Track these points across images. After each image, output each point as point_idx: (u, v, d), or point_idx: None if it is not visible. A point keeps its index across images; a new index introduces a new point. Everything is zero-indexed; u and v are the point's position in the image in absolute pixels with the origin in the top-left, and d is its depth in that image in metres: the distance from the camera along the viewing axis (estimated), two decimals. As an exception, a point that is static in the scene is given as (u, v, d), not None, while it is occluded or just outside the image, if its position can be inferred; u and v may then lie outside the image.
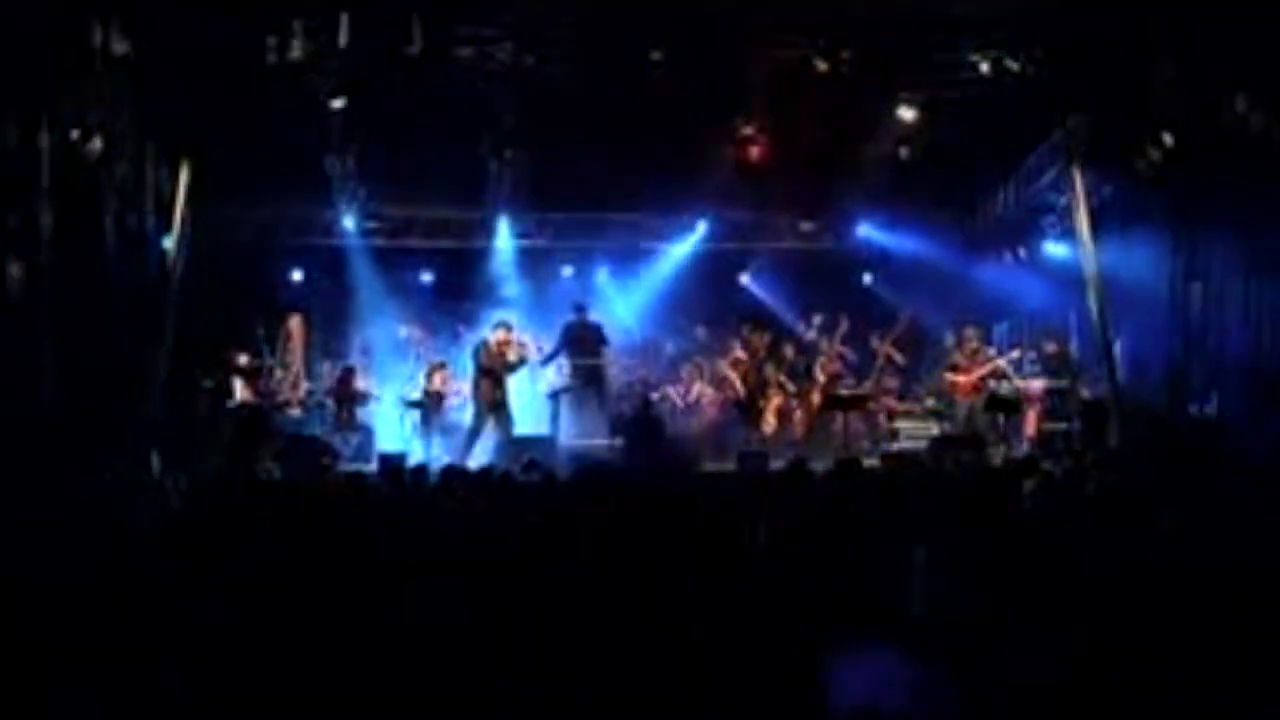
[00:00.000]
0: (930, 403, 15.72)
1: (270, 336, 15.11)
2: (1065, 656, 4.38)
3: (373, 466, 12.96)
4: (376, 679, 4.26)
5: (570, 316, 15.61)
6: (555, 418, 15.04)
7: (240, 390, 14.66)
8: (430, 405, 14.90)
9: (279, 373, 15.00)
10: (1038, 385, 14.81)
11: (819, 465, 11.25)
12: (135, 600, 4.89)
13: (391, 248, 16.08)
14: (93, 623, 4.59)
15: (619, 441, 13.84)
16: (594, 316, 15.73)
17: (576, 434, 14.78)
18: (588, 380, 15.61)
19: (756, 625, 4.60)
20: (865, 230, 16.36)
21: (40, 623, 4.57)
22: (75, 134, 12.43)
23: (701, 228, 16.36)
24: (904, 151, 14.51)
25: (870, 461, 12.66)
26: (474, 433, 14.41)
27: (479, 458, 13.49)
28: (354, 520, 7.11)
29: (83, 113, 12.27)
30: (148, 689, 4.13)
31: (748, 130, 14.19)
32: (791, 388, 15.67)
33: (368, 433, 14.98)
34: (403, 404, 15.15)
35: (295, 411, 14.87)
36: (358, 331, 15.86)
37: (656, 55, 12.79)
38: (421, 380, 15.15)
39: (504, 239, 16.25)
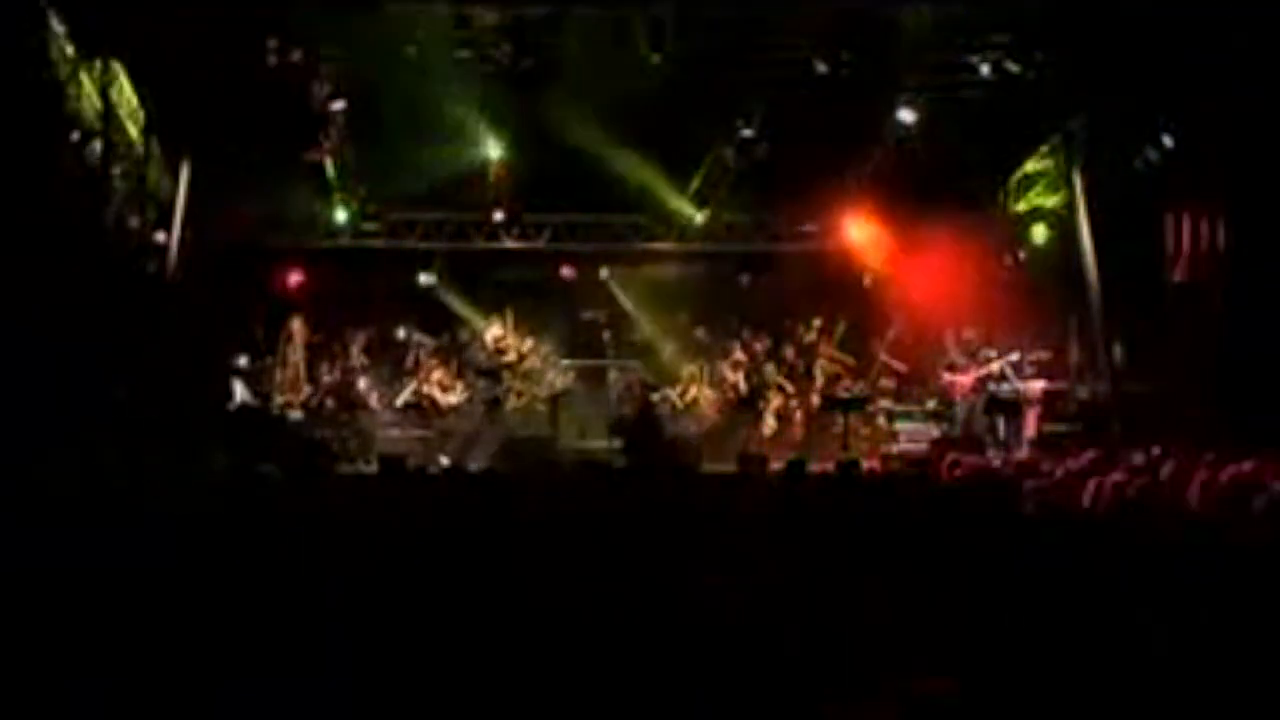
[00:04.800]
0: (930, 404, 15.69)
1: (270, 337, 15.16)
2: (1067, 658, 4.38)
3: (373, 468, 12.97)
4: (378, 677, 4.25)
5: (571, 317, 15.55)
6: (555, 419, 15.02)
7: (240, 391, 14.70)
8: (429, 406, 14.92)
9: (279, 374, 15.02)
10: (1037, 386, 14.76)
11: (818, 467, 11.32)
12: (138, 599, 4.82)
13: (391, 248, 16.06)
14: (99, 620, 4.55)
15: (619, 443, 13.78)
16: (594, 317, 15.72)
17: (576, 435, 14.81)
18: (588, 381, 15.64)
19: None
20: (864, 231, 16.29)
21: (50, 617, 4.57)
22: (76, 135, 12.50)
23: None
24: (904, 153, 14.51)
25: (869, 463, 12.71)
26: (473, 434, 14.44)
27: (479, 459, 13.53)
28: (353, 521, 7.08)
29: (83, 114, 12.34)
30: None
31: (748, 132, 14.23)
32: (791, 389, 15.64)
33: (367, 434, 14.95)
34: (402, 405, 15.17)
35: (295, 413, 14.85)
36: (357, 332, 15.79)
37: (657, 58, 12.79)
38: (421, 381, 15.19)
39: (504, 239, 16.20)
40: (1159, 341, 13.43)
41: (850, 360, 15.80)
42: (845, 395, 15.29)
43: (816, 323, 16.07)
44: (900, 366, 15.88)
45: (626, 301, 16.71)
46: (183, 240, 13.80)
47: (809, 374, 15.73)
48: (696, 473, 11.70)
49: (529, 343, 15.55)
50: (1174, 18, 11.82)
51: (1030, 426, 14.60)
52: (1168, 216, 13.18)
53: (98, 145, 12.77)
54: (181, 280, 13.81)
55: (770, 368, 15.78)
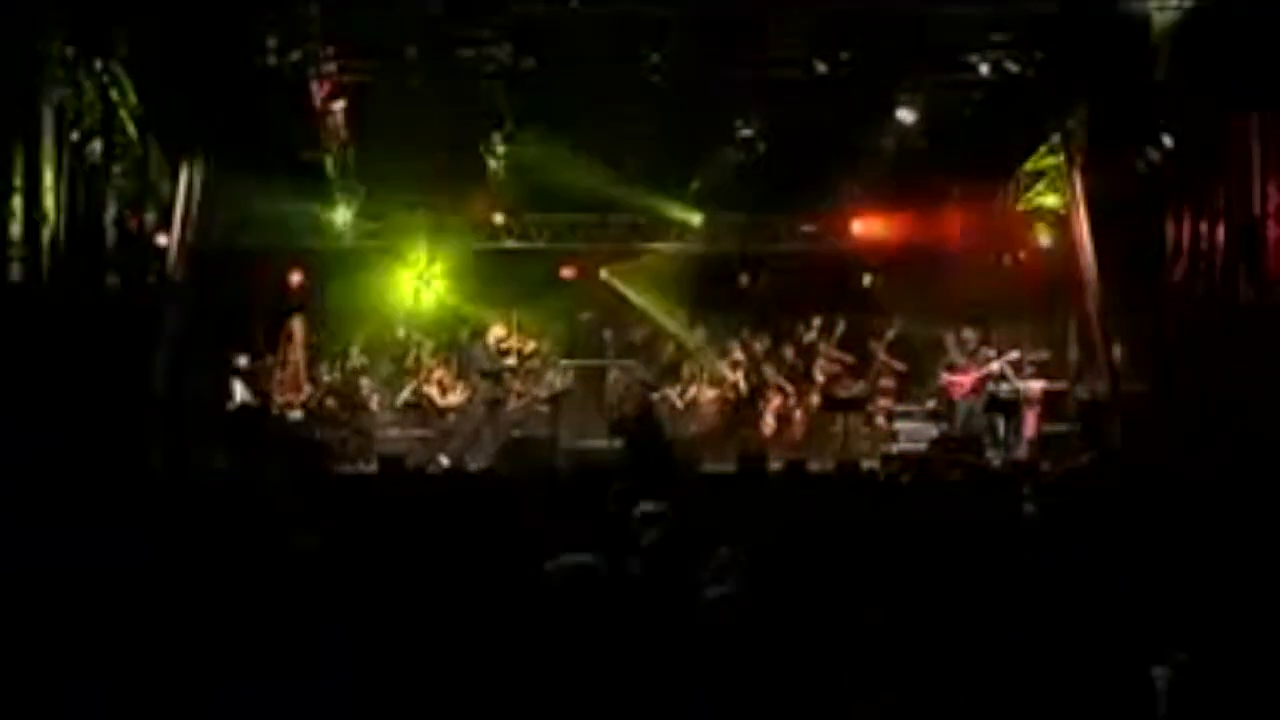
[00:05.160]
0: (930, 404, 15.67)
1: (270, 337, 15.10)
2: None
3: (372, 468, 12.96)
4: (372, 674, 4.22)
5: (570, 317, 15.63)
6: (555, 419, 15.00)
7: (240, 391, 14.65)
8: (429, 407, 14.94)
9: (279, 374, 14.96)
10: (1037, 386, 14.74)
11: (817, 466, 11.34)
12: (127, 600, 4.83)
13: (392, 248, 15.98)
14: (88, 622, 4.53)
15: (618, 443, 13.74)
16: (594, 316, 15.66)
17: (576, 435, 14.79)
18: (587, 381, 15.68)
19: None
20: (864, 231, 16.28)
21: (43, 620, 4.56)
22: (75, 135, 12.44)
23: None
24: (903, 153, 14.50)
25: (869, 463, 12.70)
26: (473, 434, 14.45)
27: (478, 459, 13.49)
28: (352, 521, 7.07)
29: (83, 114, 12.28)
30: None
31: (747, 132, 14.21)
32: (790, 389, 15.61)
33: (367, 434, 14.93)
34: (402, 405, 15.19)
35: (295, 413, 14.79)
36: (357, 333, 15.74)
37: (655, 57, 12.75)
38: (421, 382, 15.19)
39: (504, 240, 16.17)
40: (1158, 341, 13.44)
41: (850, 359, 15.79)
42: (845, 395, 15.28)
43: (816, 322, 16.00)
44: (899, 366, 15.84)
45: (626, 301, 16.67)
46: (183, 241, 13.75)
47: (808, 374, 15.68)
48: (696, 472, 11.78)
49: (531, 345, 15.52)
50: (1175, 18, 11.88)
51: (1030, 426, 14.60)
52: (1168, 216, 13.19)
53: (98, 145, 12.76)
54: (181, 281, 13.76)
55: (770, 368, 15.74)
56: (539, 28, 12.57)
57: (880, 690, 4.09)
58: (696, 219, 15.98)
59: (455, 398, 15.28)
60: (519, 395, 15.33)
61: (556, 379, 15.43)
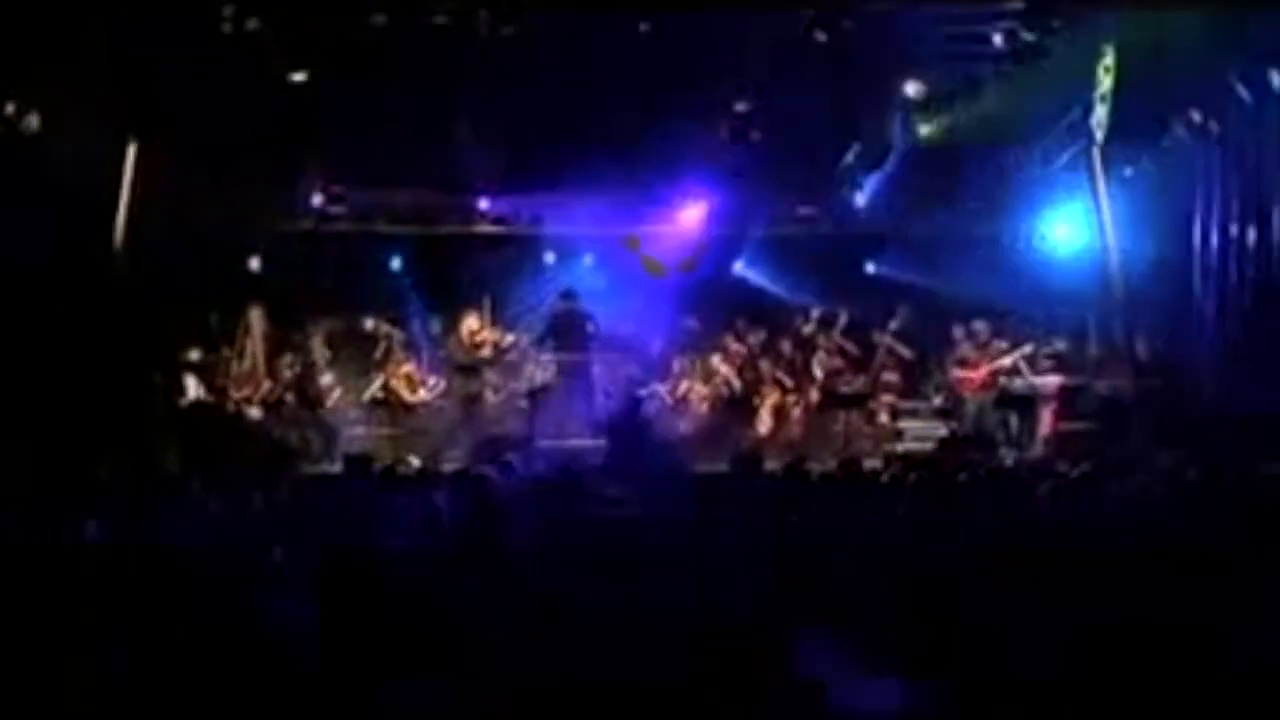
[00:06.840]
0: (937, 401, 15.20)
1: (226, 329, 14.68)
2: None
3: (337, 468, 12.26)
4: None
5: (556, 305, 15.41)
6: (533, 416, 14.55)
7: (193, 388, 14.17)
8: (398, 403, 14.59)
9: (236, 368, 14.54)
10: (1053, 381, 14.23)
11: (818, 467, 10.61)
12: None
13: (358, 233, 15.51)
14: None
15: (604, 442, 13.27)
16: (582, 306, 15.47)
17: (558, 434, 14.37)
18: (572, 376, 15.29)
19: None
20: (867, 214, 15.62)
21: None
22: (10, 108, 11.87)
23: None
24: (910, 129, 13.94)
25: (872, 463, 12.00)
26: (446, 432, 14.19)
27: (451, 458, 12.87)
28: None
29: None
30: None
31: (742, 107, 13.58)
32: (788, 384, 15.09)
33: (332, 432, 14.48)
34: (369, 401, 14.77)
35: (254, 410, 14.33)
36: (321, 324, 15.25)
37: (645, 26, 12.06)
38: (389, 376, 14.73)
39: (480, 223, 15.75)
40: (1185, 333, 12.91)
41: (854, 348, 15.17)
42: (846, 391, 14.78)
43: (815, 314, 15.45)
44: (906, 352, 15.24)
45: (612, 290, 15.98)
46: (129, 224, 13.06)
47: (807, 368, 15.13)
48: (687, 473, 11.02)
49: (509, 338, 15.11)
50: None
51: (1045, 424, 14.09)
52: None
53: (35, 119, 12.00)
54: (129, 268, 13.09)
55: (766, 362, 15.21)
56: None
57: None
58: (688, 200, 15.46)
59: (426, 393, 14.85)
60: (496, 390, 14.90)
61: (537, 373, 14.99)
